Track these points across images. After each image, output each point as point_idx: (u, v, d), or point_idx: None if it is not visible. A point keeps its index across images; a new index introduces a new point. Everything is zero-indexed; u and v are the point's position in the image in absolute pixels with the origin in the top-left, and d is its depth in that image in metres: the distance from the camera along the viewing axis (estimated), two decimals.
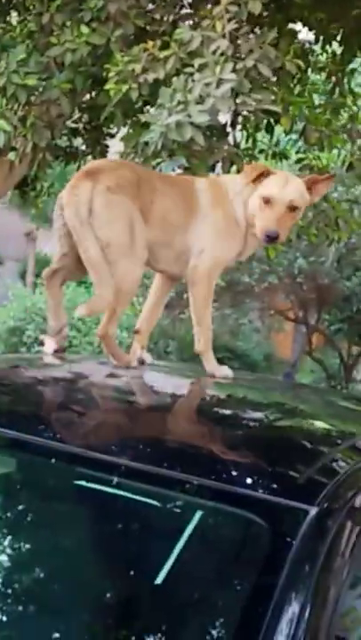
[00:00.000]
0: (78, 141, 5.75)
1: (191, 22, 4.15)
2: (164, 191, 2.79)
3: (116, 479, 1.57)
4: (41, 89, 4.30)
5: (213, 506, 1.51)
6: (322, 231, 4.56)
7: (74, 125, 5.50)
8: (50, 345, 2.78)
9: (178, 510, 1.53)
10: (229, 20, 3.64)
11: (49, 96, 4.22)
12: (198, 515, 1.49)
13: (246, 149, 4.76)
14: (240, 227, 2.79)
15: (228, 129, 4.29)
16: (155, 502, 1.53)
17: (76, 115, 5.38)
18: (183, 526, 1.46)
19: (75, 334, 10.69)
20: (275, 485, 1.59)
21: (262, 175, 2.70)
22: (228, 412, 2.31)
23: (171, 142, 3.47)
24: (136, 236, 2.66)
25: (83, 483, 1.61)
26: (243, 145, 4.78)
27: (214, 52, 3.52)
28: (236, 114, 4.12)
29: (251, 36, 3.81)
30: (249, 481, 1.60)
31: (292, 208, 2.67)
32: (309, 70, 5.42)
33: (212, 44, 3.56)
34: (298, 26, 5.14)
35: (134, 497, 1.55)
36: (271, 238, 2.67)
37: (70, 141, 5.71)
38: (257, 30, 4.04)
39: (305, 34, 5.37)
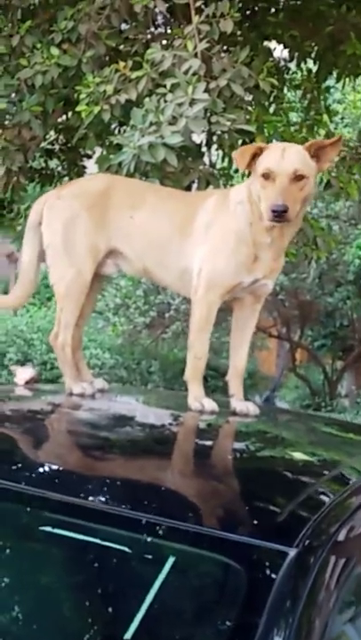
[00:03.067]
0: (55, 163, 5.69)
1: (164, 42, 4.10)
2: (155, 208, 2.77)
3: (82, 523, 1.48)
4: (13, 112, 4.25)
5: (186, 550, 1.43)
6: (300, 250, 4.51)
7: (49, 147, 5.45)
8: (21, 376, 2.71)
9: (148, 556, 1.45)
10: (201, 40, 3.59)
11: (20, 119, 4.16)
12: (171, 560, 1.41)
13: (222, 169, 4.72)
14: (245, 240, 2.58)
15: (204, 149, 4.24)
16: (124, 548, 1.45)
17: (52, 136, 5.33)
18: (154, 573, 1.38)
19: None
20: (251, 527, 1.52)
21: (256, 155, 2.51)
22: (200, 445, 2.22)
23: (144, 164, 3.41)
24: (76, 240, 2.73)
25: (48, 528, 1.53)
26: (219, 165, 4.73)
27: (186, 72, 3.47)
28: (210, 134, 4.07)
29: (224, 55, 3.77)
30: (224, 522, 1.53)
31: (298, 177, 2.44)
32: (285, 88, 5.41)
33: (183, 63, 3.51)
34: (273, 44, 5.13)
35: (102, 542, 1.46)
36: (278, 213, 2.40)
37: (46, 163, 5.65)
38: (231, 49, 4.00)
39: (280, 51, 5.36)
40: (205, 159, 4.33)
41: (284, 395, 13.66)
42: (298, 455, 2.15)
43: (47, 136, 4.97)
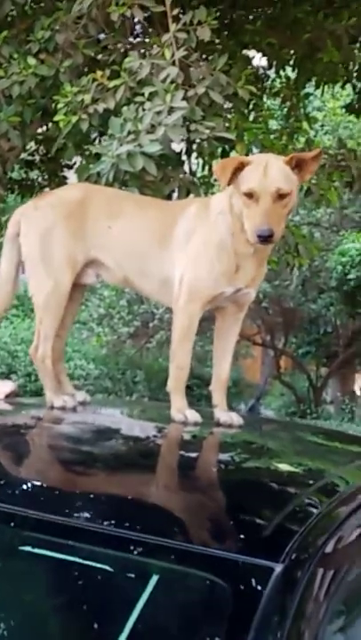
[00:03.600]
0: (35, 173, 5.65)
1: (142, 51, 4.08)
2: (134, 217, 2.73)
3: (62, 541, 1.44)
4: None
5: (170, 568, 1.39)
6: (282, 258, 4.49)
7: (30, 158, 5.42)
8: (1, 389, 2.66)
9: (131, 574, 1.40)
10: (179, 48, 3.57)
11: None
12: (155, 578, 1.36)
13: (203, 177, 4.70)
14: (226, 250, 2.54)
15: (183, 157, 4.22)
16: (106, 566, 1.41)
17: (32, 147, 5.30)
18: (138, 592, 1.34)
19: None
20: (236, 542, 1.48)
21: (238, 170, 2.43)
22: (183, 458, 2.17)
23: (123, 173, 3.38)
24: (53, 251, 2.69)
25: (28, 547, 1.48)
26: (199, 173, 4.71)
27: (164, 80, 3.45)
28: (189, 142, 4.04)
29: (202, 62, 3.75)
30: (208, 538, 1.48)
31: (281, 196, 2.39)
32: (264, 96, 5.41)
33: (161, 72, 3.49)
34: (252, 52, 5.13)
35: (84, 561, 1.42)
36: (264, 238, 2.37)
37: (27, 174, 5.62)
38: (209, 57, 3.99)
39: (259, 59, 5.36)
40: (185, 167, 4.30)
41: (270, 402, 13.65)
42: (283, 466, 2.11)
43: (27, 147, 4.94)
